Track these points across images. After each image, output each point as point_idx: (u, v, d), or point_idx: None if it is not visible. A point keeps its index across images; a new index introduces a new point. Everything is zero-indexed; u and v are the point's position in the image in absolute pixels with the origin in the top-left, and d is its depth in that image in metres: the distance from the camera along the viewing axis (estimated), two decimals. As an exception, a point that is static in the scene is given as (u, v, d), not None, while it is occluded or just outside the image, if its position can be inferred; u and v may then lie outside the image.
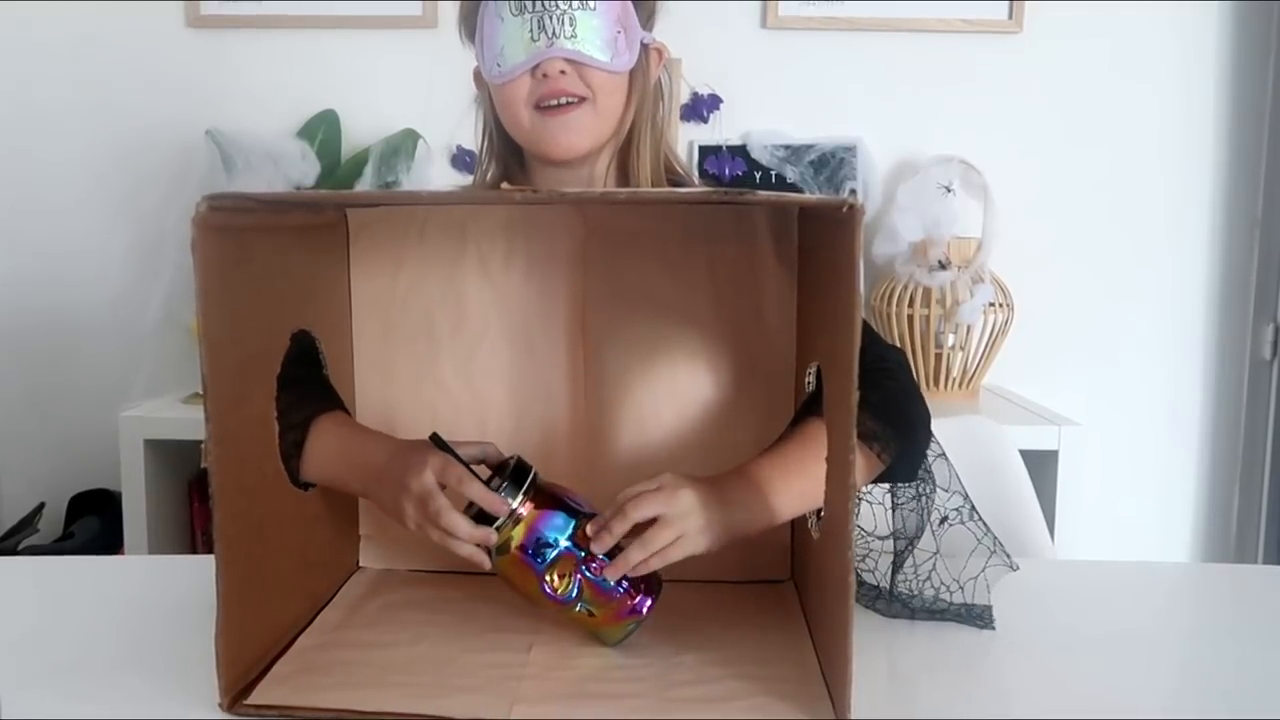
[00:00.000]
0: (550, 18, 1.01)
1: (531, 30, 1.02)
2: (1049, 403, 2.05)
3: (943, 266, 2.01)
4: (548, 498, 0.87)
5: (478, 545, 0.86)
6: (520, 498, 0.86)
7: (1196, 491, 2.30)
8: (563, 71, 1.03)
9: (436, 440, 0.88)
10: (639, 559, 0.84)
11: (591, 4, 1.02)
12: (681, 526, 0.85)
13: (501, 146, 1.14)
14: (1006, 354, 2.10)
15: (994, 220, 2.05)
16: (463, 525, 0.85)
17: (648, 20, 1.10)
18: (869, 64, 2.19)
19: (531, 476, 0.87)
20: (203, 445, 0.77)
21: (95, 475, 2.17)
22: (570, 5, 1.01)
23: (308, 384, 0.97)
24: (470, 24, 1.08)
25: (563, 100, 1.04)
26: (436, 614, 0.95)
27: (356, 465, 0.94)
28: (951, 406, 1.98)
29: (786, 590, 1.02)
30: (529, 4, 1.02)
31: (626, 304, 1.01)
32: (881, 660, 0.88)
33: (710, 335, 1.01)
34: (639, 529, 0.85)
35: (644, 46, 1.09)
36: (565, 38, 1.02)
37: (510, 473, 0.87)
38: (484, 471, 0.89)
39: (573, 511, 0.87)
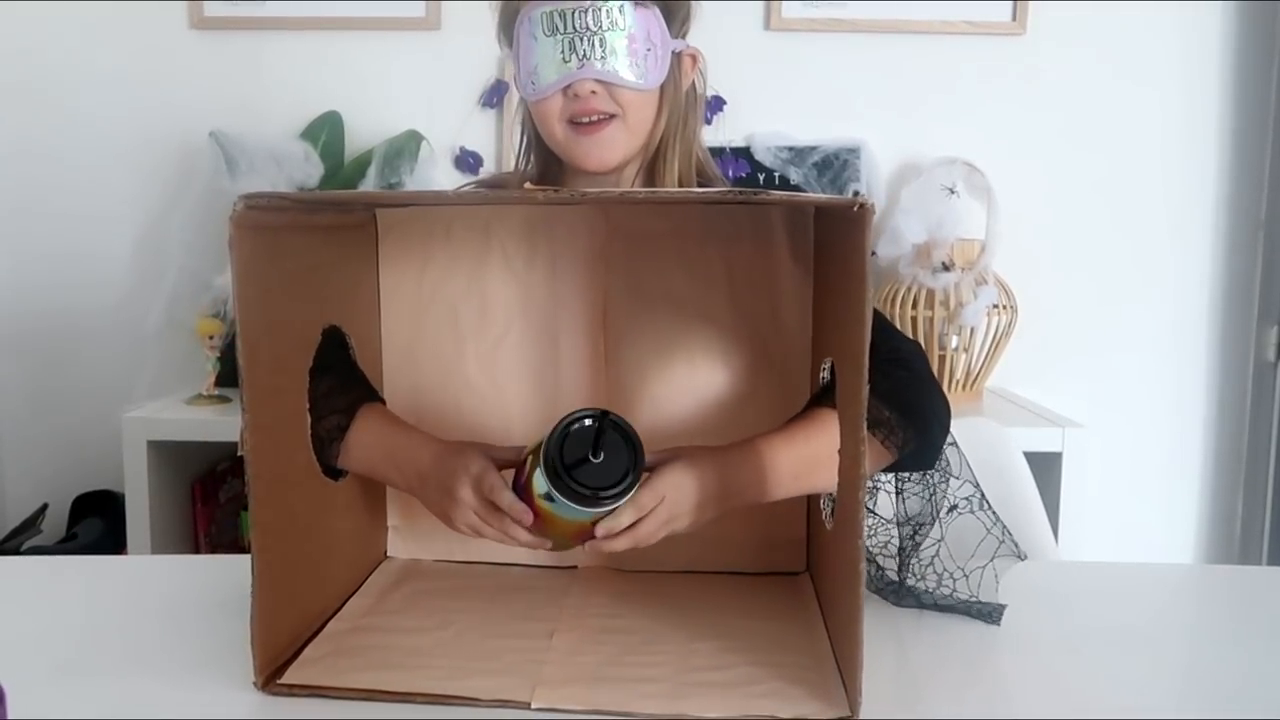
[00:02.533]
0: (581, 39, 1.05)
1: (563, 51, 1.05)
2: (1053, 404, 2.05)
3: (946, 268, 2.01)
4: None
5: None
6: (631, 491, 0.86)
7: (1200, 493, 2.30)
8: (593, 91, 1.07)
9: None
10: (630, 520, 0.87)
11: (621, 26, 1.05)
12: (669, 522, 0.88)
13: (540, 148, 1.18)
14: (1010, 356, 2.11)
15: (997, 222, 2.05)
16: (524, 537, 0.89)
17: (681, 27, 1.12)
18: (872, 66, 2.19)
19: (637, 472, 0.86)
20: (240, 435, 0.80)
21: (98, 476, 2.18)
22: (601, 28, 1.05)
23: (349, 370, 1.00)
24: (508, 35, 1.11)
25: (594, 118, 1.08)
26: (462, 602, 0.98)
27: (399, 462, 0.97)
28: (955, 408, 1.95)
29: (803, 582, 1.04)
30: (560, 25, 1.05)
31: (646, 302, 1.03)
32: (890, 654, 0.89)
33: (728, 332, 1.03)
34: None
35: (676, 55, 1.11)
36: (596, 59, 1.05)
37: (634, 460, 0.85)
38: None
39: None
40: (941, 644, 0.91)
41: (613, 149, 1.10)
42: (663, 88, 1.11)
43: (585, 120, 1.08)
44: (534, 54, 1.07)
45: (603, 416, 0.85)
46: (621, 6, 1.05)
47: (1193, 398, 2.27)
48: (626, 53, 1.06)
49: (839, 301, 0.87)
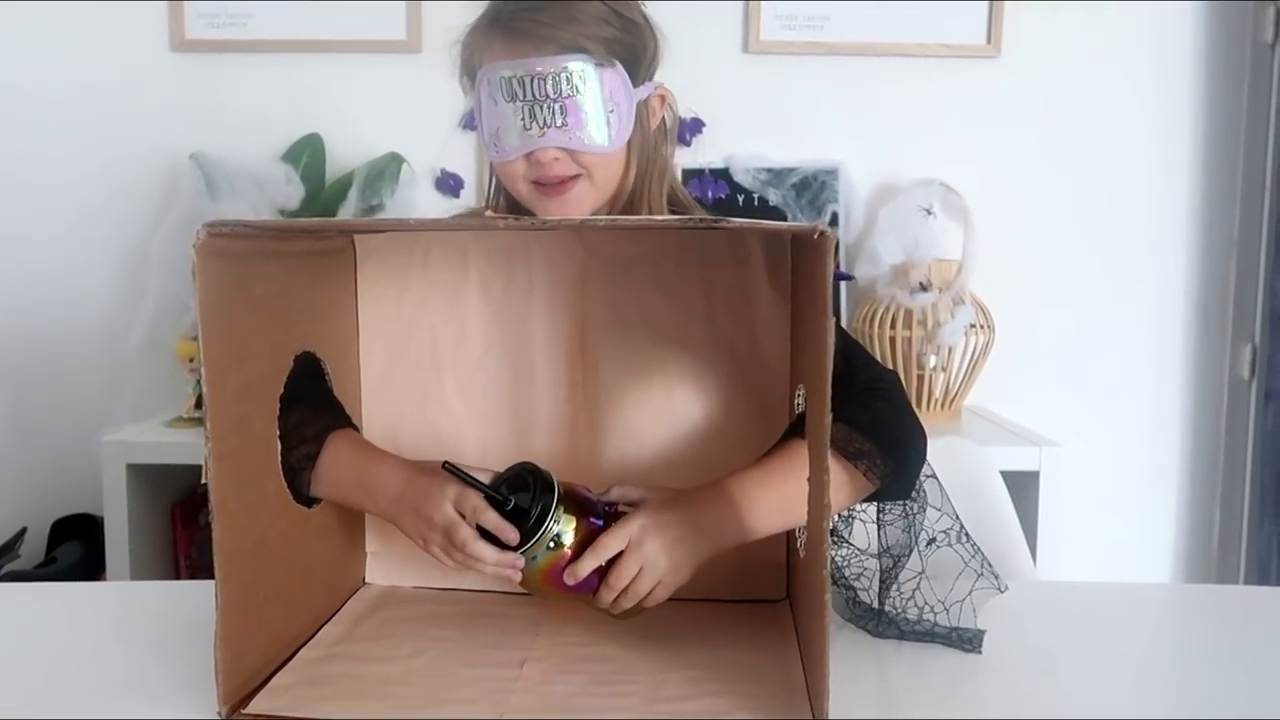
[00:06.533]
0: (541, 107, 1.02)
1: (524, 119, 1.02)
2: (1030, 423, 2.06)
3: (924, 288, 2.03)
4: (574, 506, 0.90)
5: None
6: (556, 524, 0.88)
7: (1177, 511, 2.31)
8: (556, 158, 1.04)
9: (450, 469, 0.90)
10: (607, 600, 0.89)
11: (582, 91, 1.01)
12: (641, 560, 0.89)
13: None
14: (988, 375, 2.12)
15: (974, 242, 2.07)
16: (489, 553, 0.88)
17: (647, 69, 1.09)
18: (850, 88, 2.21)
19: (557, 499, 0.88)
20: (204, 462, 0.78)
21: (78, 500, 2.16)
22: (561, 94, 1.01)
23: (320, 399, 1.00)
24: (471, 79, 1.08)
25: (558, 179, 1.06)
26: (436, 629, 0.98)
27: (370, 488, 0.96)
28: (933, 428, 1.94)
29: (782, 610, 1.04)
30: (520, 92, 1.01)
31: (624, 327, 1.04)
32: (867, 680, 0.89)
33: (705, 358, 1.03)
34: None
35: (643, 102, 1.08)
36: (556, 127, 1.02)
37: (538, 497, 0.88)
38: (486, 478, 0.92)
39: (590, 522, 0.90)
40: (918, 668, 0.91)
41: (578, 207, 1.07)
42: (630, 142, 1.07)
43: (550, 182, 1.06)
44: (495, 118, 1.04)
45: (525, 471, 0.91)
46: (582, 71, 1.01)
47: (1169, 416, 2.29)
48: (589, 117, 1.02)
49: (809, 328, 0.88)
